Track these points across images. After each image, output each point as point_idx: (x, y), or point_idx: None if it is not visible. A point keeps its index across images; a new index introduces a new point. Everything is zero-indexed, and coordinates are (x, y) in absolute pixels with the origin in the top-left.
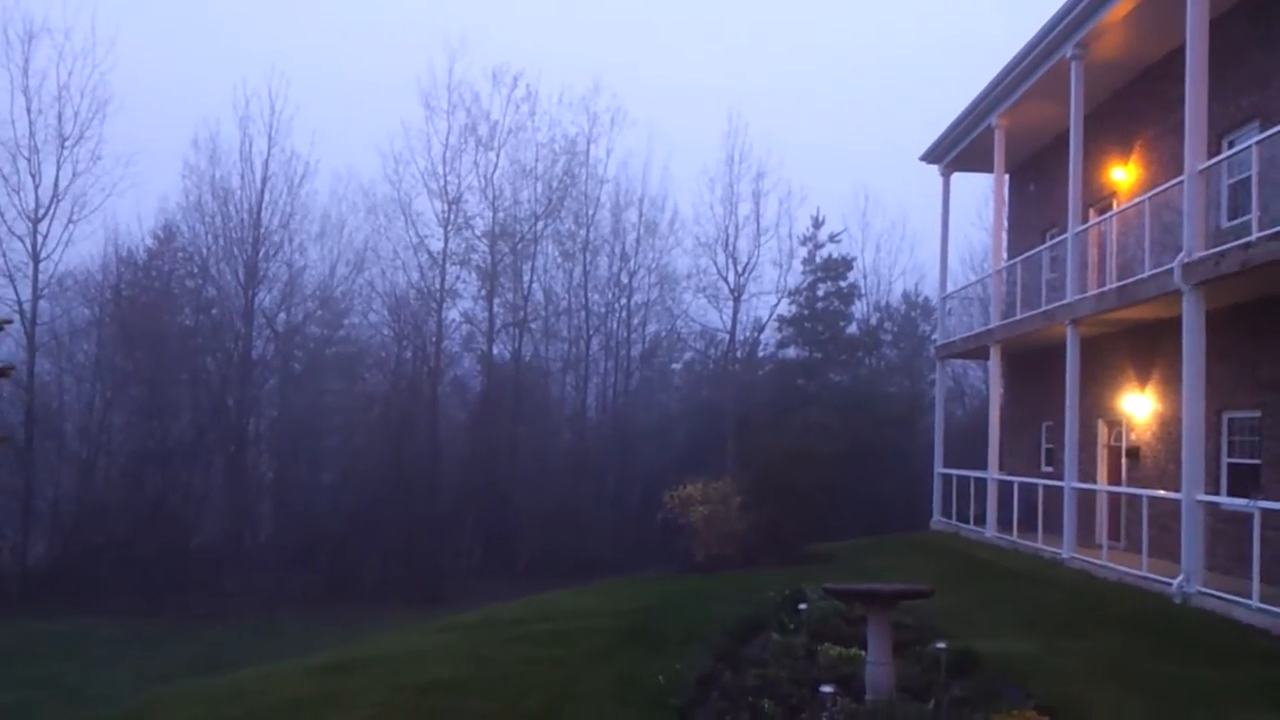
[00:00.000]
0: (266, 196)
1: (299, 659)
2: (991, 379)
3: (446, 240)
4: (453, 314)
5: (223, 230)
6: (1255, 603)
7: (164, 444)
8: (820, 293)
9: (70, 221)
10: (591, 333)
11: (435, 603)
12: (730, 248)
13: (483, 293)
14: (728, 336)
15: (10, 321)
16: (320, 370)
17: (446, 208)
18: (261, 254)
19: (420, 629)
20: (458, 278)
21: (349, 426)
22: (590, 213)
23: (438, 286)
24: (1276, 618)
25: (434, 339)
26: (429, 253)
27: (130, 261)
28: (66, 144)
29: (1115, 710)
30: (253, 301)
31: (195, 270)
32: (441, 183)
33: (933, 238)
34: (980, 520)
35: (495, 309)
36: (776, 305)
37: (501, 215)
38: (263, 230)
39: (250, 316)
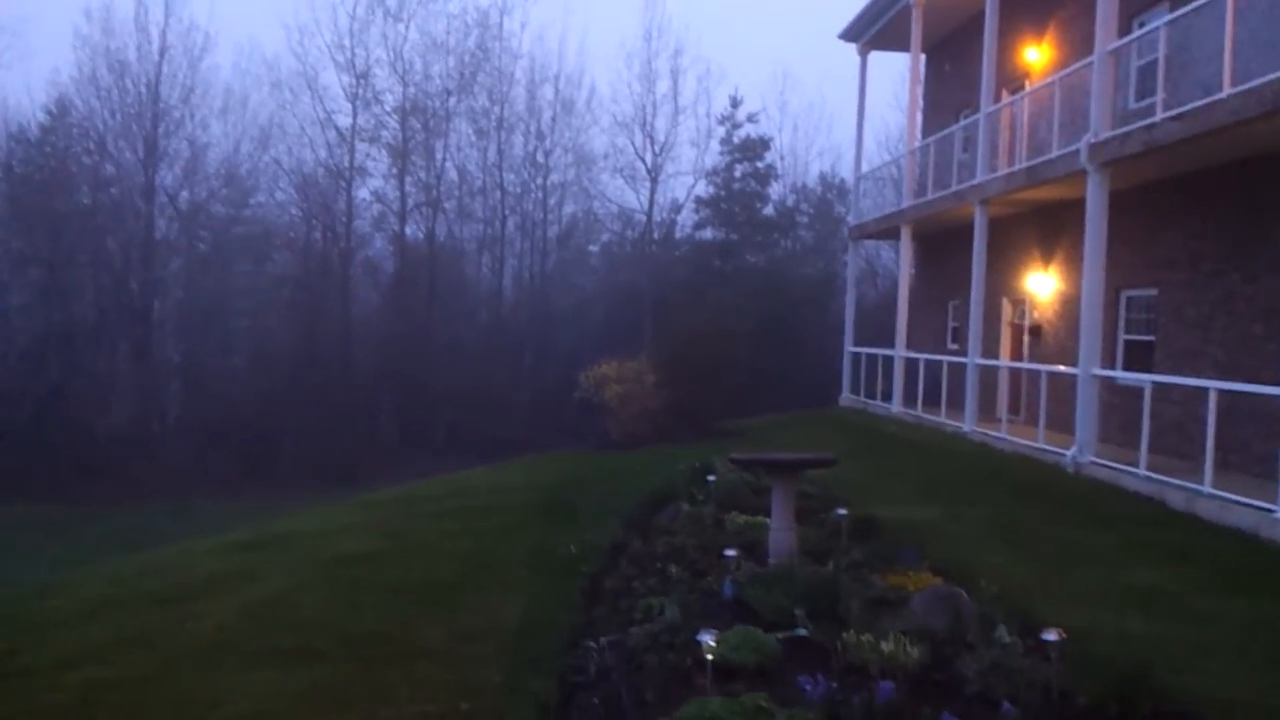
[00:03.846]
0: (165, 69)
1: (214, 538)
2: (902, 259)
3: (355, 116)
4: (363, 193)
5: (120, 105)
6: (1142, 471)
7: (66, 327)
8: (737, 174)
9: None
10: (507, 213)
11: (352, 483)
12: (648, 127)
13: (394, 171)
14: (645, 218)
15: None
16: (227, 251)
17: (354, 82)
18: (161, 130)
19: (337, 507)
20: (367, 155)
21: (259, 308)
22: (504, 89)
23: (346, 164)
24: (1160, 485)
25: (344, 218)
26: (337, 129)
27: (22, 138)
28: None
29: (1005, 569)
30: (154, 180)
31: (92, 147)
32: (349, 55)
33: (850, 118)
34: (887, 396)
35: (407, 188)
36: (694, 186)
37: (412, 90)
38: (162, 105)
39: (151, 195)
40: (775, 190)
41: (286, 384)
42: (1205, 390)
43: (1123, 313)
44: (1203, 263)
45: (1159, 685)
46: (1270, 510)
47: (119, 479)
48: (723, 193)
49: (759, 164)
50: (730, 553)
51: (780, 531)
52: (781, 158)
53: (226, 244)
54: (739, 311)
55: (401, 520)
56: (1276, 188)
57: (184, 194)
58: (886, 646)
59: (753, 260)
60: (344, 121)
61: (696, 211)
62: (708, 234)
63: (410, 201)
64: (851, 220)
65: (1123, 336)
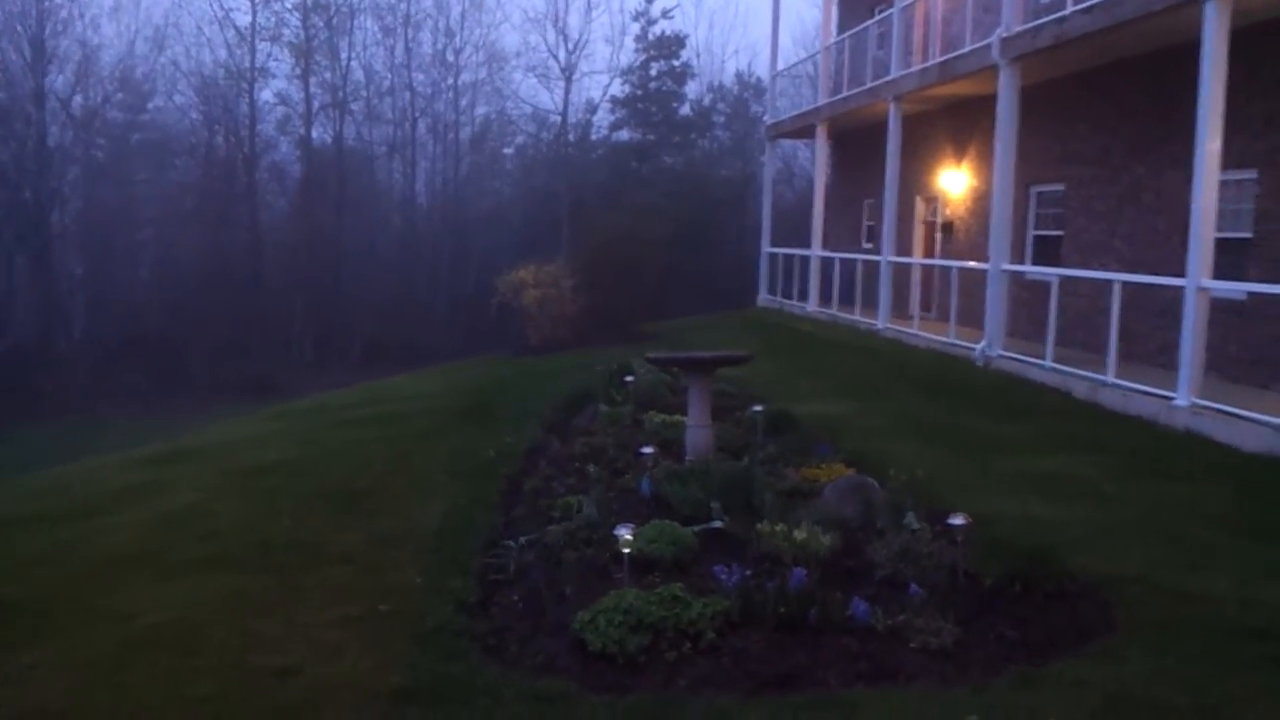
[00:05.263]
0: None
1: (126, 453)
2: (817, 158)
3: (254, 13)
4: (266, 95)
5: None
6: (1048, 363)
7: None
8: (653, 72)
9: None
10: (417, 115)
11: (267, 395)
12: (560, 23)
13: (297, 71)
14: (560, 119)
15: None
16: (126, 158)
17: None
18: (48, 30)
19: (250, 418)
20: (269, 55)
21: (162, 217)
22: None
23: (247, 65)
24: (1065, 376)
25: (247, 122)
26: (235, 28)
27: None
28: None
29: (915, 460)
30: (43, 84)
31: None
32: None
33: (765, 14)
34: (803, 296)
35: (312, 89)
36: (609, 85)
37: None
38: (47, 4)
39: (42, 100)
40: (692, 89)
41: (195, 295)
42: (1110, 283)
43: (1032, 208)
44: (1110, 157)
45: (1061, 565)
46: (1170, 398)
47: (24, 396)
48: (638, 92)
49: (675, 62)
50: (647, 450)
51: (697, 429)
52: (698, 55)
53: (125, 151)
54: (657, 213)
55: (316, 429)
56: (1182, 82)
57: (77, 98)
58: (799, 535)
59: (670, 161)
60: (243, 20)
61: (612, 112)
62: (624, 135)
63: (316, 103)
64: (768, 119)
65: (1032, 231)
